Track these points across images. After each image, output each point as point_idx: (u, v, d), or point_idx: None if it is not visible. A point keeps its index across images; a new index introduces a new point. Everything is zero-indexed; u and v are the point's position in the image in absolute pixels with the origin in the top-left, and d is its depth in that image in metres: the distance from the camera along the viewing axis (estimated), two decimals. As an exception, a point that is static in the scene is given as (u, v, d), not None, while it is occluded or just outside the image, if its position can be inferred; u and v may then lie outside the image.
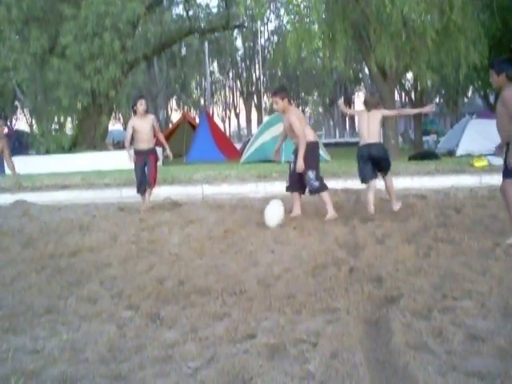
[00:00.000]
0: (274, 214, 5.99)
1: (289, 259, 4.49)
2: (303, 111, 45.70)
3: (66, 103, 17.52)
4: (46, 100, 18.95)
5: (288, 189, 6.69)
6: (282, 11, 31.96)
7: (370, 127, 6.52)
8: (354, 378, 2.29)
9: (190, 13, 23.19)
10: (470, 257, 4.26)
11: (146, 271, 4.34)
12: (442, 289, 3.45)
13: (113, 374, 2.48)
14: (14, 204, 8.89)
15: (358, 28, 14.25)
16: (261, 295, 3.52)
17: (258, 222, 6.18)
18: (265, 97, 44.18)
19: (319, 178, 6.42)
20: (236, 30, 34.71)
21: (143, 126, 7.73)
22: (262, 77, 39.18)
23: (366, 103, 6.73)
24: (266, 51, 42.77)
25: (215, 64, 44.05)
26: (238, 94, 47.89)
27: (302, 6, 14.35)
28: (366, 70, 23.74)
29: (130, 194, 9.29)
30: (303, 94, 47.46)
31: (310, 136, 6.45)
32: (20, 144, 21.10)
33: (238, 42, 42.88)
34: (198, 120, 22.22)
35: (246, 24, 30.95)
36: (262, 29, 40.07)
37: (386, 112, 7.12)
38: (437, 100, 32.32)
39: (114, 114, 27.56)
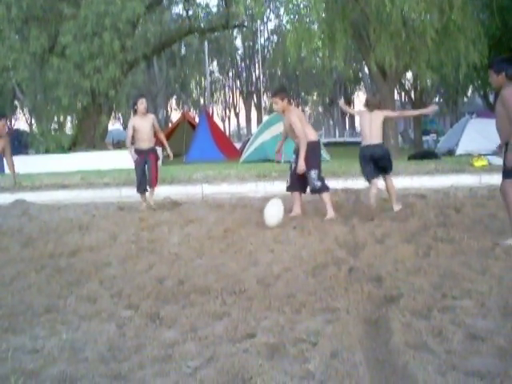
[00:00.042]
0: (273, 213, 5.98)
1: (288, 259, 4.49)
2: (303, 111, 45.62)
3: (66, 103, 17.51)
4: (46, 99, 18.94)
5: (289, 188, 6.68)
6: (282, 11, 31.88)
7: (372, 128, 6.55)
8: (354, 377, 2.29)
9: (190, 12, 23.17)
10: (469, 256, 4.26)
11: (146, 271, 4.34)
12: (442, 288, 3.46)
13: (112, 373, 2.48)
14: (13, 203, 8.89)
15: (358, 27, 14.26)
16: (260, 295, 3.52)
17: (258, 221, 6.18)
18: (264, 96, 44.21)
19: (321, 178, 6.42)
20: (236, 30, 34.72)
21: (144, 125, 7.73)
22: (261, 76, 39.19)
23: (367, 104, 6.73)
24: (266, 51, 42.80)
25: (215, 63, 44.08)
26: (238, 93, 47.91)
27: (301, 5, 14.38)
28: (366, 70, 23.72)
29: (129, 193, 9.28)
30: (303, 93, 47.49)
31: (312, 135, 6.44)
32: (19, 143, 21.09)
33: (238, 42, 42.98)
34: (197, 119, 22.22)
35: (245, 23, 30.90)
36: (262, 28, 40.14)
37: (389, 113, 7.16)
38: (436, 99, 32.33)
39: (113, 113, 27.53)
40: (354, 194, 8.06)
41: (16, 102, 29.30)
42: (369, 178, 6.64)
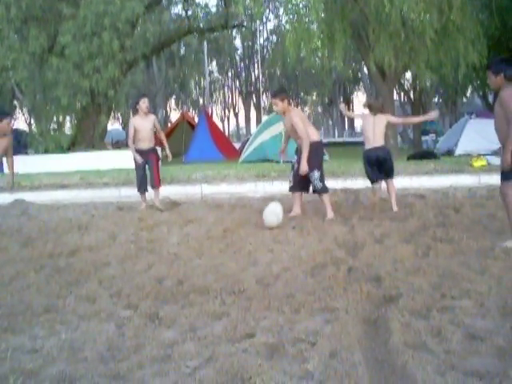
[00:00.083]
0: (272, 218, 5.94)
1: (288, 259, 4.50)
2: (302, 111, 45.67)
3: (65, 102, 17.49)
4: (45, 99, 18.91)
5: (291, 188, 6.65)
6: (281, 11, 31.90)
7: (375, 131, 6.68)
8: (353, 377, 2.29)
9: (189, 12, 23.16)
10: (468, 256, 4.27)
11: (145, 270, 4.34)
12: (441, 288, 3.46)
13: (112, 373, 2.48)
14: (12, 203, 8.89)
15: (357, 28, 14.26)
16: (260, 295, 3.52)
17: (257, 221, 6.18)
18: (264, 96, 44.17)
19: (322, 180, 6.42)
20: (235, 30, 34.64)
21: (144, 125, 7.71)
22: (260, 76, 39.11)
23: (370, 107, 6.85)
24: (265, 51, 42.77)
25: (214, 63, 44.04)
26: (237, 93, 47.91)
27: (300, 5, 14.37)
28: (365, 70, 23.72)
29: (128, 193, 9.28)
30: (302, 93, 47.49)
31: (314, 136, 6.42)
32: (18, 143, 21.04)
33: (237, 42, 42.91)
34: (196, 119, 22.21)
35: (244, 23, 30.85)
36: (261, 28, 40.10)
37: (392, 119, 7.33)
38: (436, 100, 32.34)
39: (112, 113, 27.52)
40: (353, 194, 8.07)
41: (15, 102, 29.27)
42: (374, 180, 6.86)
